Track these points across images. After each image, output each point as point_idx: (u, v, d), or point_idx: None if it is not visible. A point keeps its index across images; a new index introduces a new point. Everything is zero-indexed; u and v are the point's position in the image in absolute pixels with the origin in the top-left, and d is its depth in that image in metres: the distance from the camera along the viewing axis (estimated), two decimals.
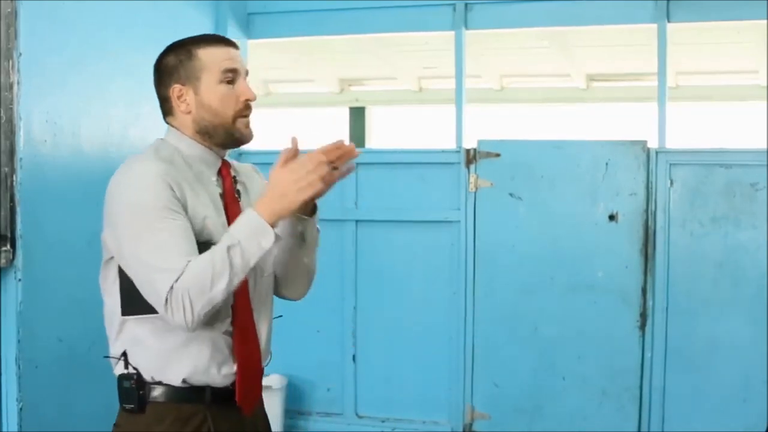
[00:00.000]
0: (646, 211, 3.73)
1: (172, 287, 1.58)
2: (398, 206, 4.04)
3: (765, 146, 3.68)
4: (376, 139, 7.58)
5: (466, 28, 4.04)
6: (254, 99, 1.78)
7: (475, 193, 3.90)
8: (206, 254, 1.61)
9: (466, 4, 4.02)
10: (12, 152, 2.67)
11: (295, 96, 6.82)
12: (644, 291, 3.75)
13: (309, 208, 1.78)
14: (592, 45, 5.03)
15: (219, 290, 1.60)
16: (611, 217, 3.76)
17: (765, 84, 5.41)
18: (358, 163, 4.42)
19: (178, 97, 1.76)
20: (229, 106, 1.75)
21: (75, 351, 3.02)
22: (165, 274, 1.59)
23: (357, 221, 4.05)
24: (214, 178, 1.79)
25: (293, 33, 4.35)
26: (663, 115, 3.78)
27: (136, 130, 3.41)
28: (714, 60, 5.39)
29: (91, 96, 3.12)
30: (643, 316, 3.75)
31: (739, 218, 3.64)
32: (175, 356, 1.70)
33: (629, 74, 5.90)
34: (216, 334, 1.72)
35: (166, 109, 1.81)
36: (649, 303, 3.74)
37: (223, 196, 1.79)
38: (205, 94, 1.74)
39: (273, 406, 4.06)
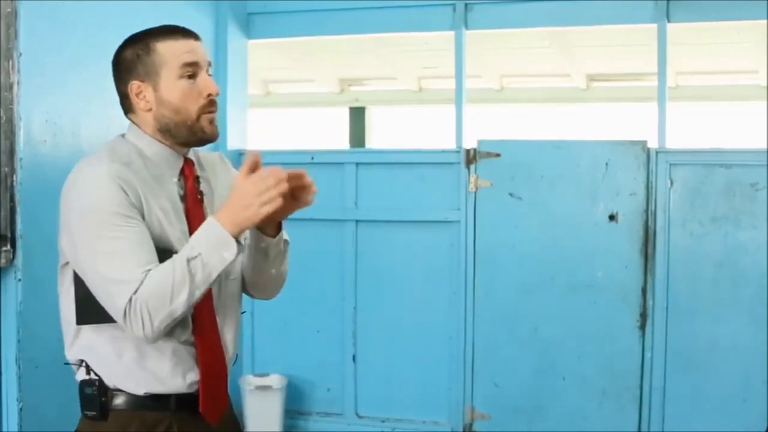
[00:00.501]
0: (646, 211, 3.73)
1: (130, 299, 1.51)
2: (398, 206, 4.04)
3: (765, 146, 3.67)
4: (376, 139, 7.58)
5: (466, 28, 4.04)
6: (217, 93, 1.68)
7: (475, 193, 3.90)
8: (166, 265, 1.53)
9: (466, 4, 4.02)
10: (12, 152, 2.67)
11: (295, 96, 6.82)
12: (644, 291, 3.74)
13: (274, 226, 1.69)
14: (592, 45, 5.03)
15: (179, 303, 1.52)
16: (611, 217, 3.76)
17: (765, 84, 5.41)
18: (357, 163, 4.42)
19: (137, 94, 1.66)
20: (191, 103, 1.65)
21: None
22: (122, 286, 1.51)
23: (357, 221, 4.05)
24: (175, 179, 1.69)
25: (293, 33, 4.35)
26: (663, 115, 3.78)
27: None
28: (714, 60, 5.40)
29: (91, 96, 3.12)
30: (643, 316, 3.75)
31: (739, 218, 3.64)
32: (135, 367, 1.63)
33: (629, 74, 5.91)
34: (177, 344, 1.64)
35: (126, 106, 1.70)
36: (649, 303, 3.74)
37: (184, 198, 1.69)
38: (165, 90, 1.64)
39: (273, 406, 4.06)
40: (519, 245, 3.87)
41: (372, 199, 4.07)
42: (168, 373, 1.64)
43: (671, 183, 3.71)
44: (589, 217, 3.78)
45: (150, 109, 1.66)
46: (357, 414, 4.13)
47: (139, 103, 1.67)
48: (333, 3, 4.16)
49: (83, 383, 1.67)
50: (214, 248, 1.53)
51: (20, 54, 2.68)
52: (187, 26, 1.75)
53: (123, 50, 1.69)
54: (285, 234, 1.74)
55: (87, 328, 1.65)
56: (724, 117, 6.83)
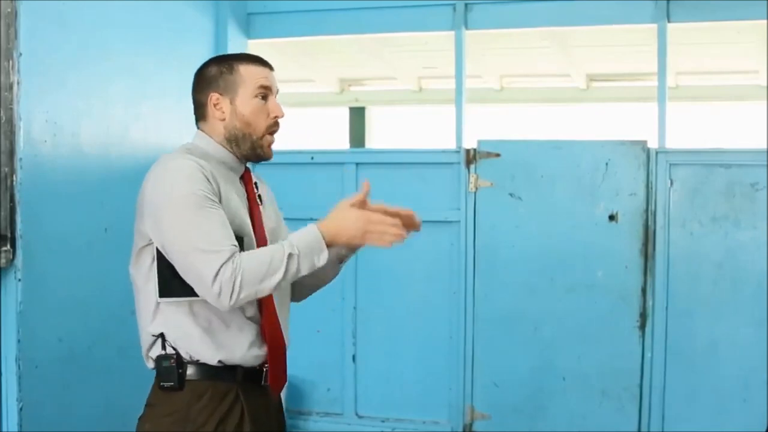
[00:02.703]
0: (646, 211, 3.73)
1: (221, 267, 1.69)
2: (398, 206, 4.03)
3: (765, 146, 3.68)
4: (376, 139, 7.58)
5: (466, 28, 4.04)
6: (283, 117, 1.95)
7: (475, 193, 3.90)
8: (266, 250, 1.77)
9: (466, 4, 4.02)
10: (12, 152, 2.67)
11: (295, 96, 6.82)
12: (644, 291, 3.75)
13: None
14: (592, 45, 5.03)
15: (267, 287, 1.74)
16: (611, 217, 3.76)
17: (765, 84, 5.41)
18: (357, 163, 4.43)
19: (215, 105, 1.92)
20: (260, 119, 1.92)
21: (75, 351, 3.02)
22: (213, 255, 1.70)
23: None
24: (237, 182, 1.94)
25: (293, 33, 4.35)
26: (663, 115, 3.78)
27: (136, 130, 3.41)
28: (714, 60, 5.39)
29: (91, 96, 3.12)
30: (643, 316, 3.75)
31: (739, 218, 3.64)
32: (209, 340, 1.83)
33: (629, 74, 5.90)
34: (244, 319, 1.86)
35: (200, 114, 1.96)
36: (649, 303, 3.74)
37: (246, 198, 1.94)
38: (240, 104, 1.91)
39: None
40: (519, 245, 3.87)
41: (372, 198, 4.06)
42: (237, 345, 1.85)
43: (671, 183, 3.71)
44: (589, 217, 3.78)
45: (223, 119, 1.92)
46: (357, 414, 4.14)
47: (215, 113, 1.93)
48: (333, 3, 4.16)
49: (160, 357, 1.85)
50: (310, 252, 1.77)
51: (20, 54, 2.68)
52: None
53: (208, 66, 1.96)
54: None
55: (167, 305, 1.84)
56: (724, 117, 6.83)
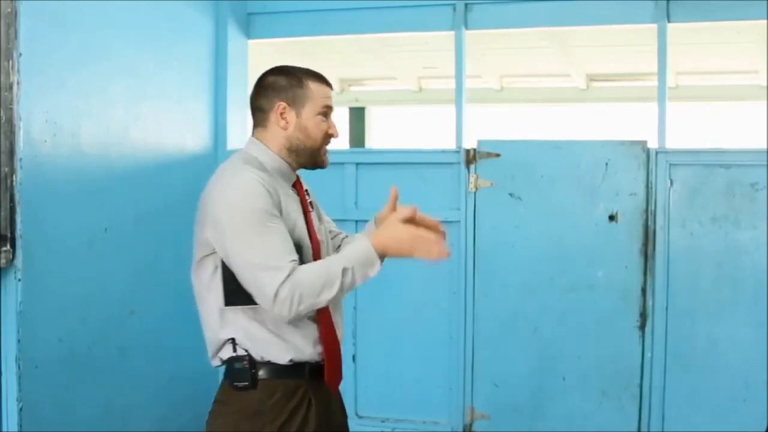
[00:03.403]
0: (646, 211, 3.73)
1: (282, 283, 1.82)
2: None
3: (765, 146, 3.67)
4: (376, 139, 7.59)
5: (466, 28, 4.04)
6: (338, 136, 2.10)
7: (475, 193, 3.90)
8: (322, 264, 1.90)
9: (466, 4, 4.02)
10: (12, 152, 2.67)
11: None
12: (644, 291, 3.75)
13: None
14: (592, 45, 5.03)
15: (324, 299, 1.88)
16: (611, 217, 3.76)
17: (765, 84, 5.42)
18: (357, 163, 4.42)
19: (281, 114, 2.04)
20: (319, 134, 2.05)
21: (75, 351, 3.02)
22: (274, 272, 1.83)
23: (357, 221, 4.04)
24: (290, 191, 2.06)
25: (293, 33, 4.35)
26: (663, 115, 3.78)
27: (136, 130, 3.41)
28: (714, 60, 5.40)
29: (91, 96, 3.12)
30: (643, 316, 3.75)
31: (739, 218, 3.64)
32: (276, 340, 1.95)
33: (629, 74, 5.91)
34: (305, 319, 1.99)
35: (260, 119, 2.08)
36: (649, 303, 3.74)
37: (299, 204, 2.07)
38: (305, 118, 2.04)
39: None
40: (519, 245, 3.87)
41: (372, 199, 4.06)
42: (302, 343, 1.98)
43: (671, 183, 3.71)
44: (589, 217, 3.78)
45: (286, 129, 2.04)
46: (357, 414, 4.13)
47: (279, 121, 2.05)
48: (333, 3, 4.15)
49: (232, 359, 1.97)
50: (363, 266, 1.90)
51: (20, 54, 2.68)
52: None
53: (275, 75, 2.08)
54: None
55: (233, 312, 1.95)
56: (724, 117, 6.84)
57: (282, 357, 1.96)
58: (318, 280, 1.86)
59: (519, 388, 3.88)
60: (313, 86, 2.05)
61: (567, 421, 3.83)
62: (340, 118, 7.33)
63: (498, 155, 3.87)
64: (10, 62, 2.65)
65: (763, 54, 4.39)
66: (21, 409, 2.72)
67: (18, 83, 2.67)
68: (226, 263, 1.91)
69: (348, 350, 4.14)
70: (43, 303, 2.83)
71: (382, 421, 4.11)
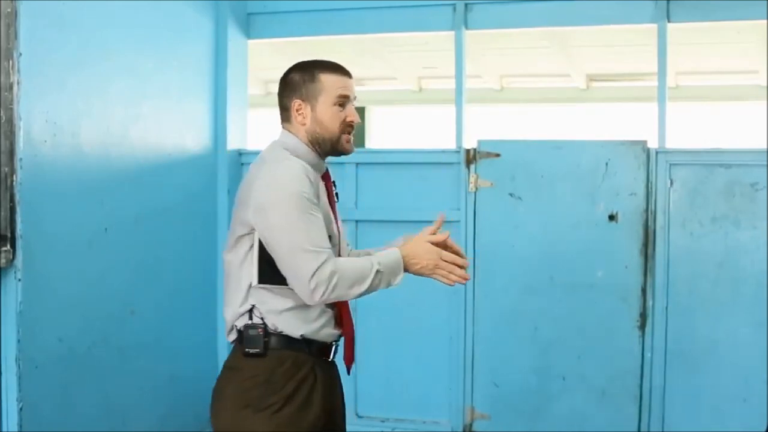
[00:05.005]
0: (646, 211, 3.73)
1: (320, 267, 1.91)
2: (398, 206, 4.03)
3: (765, 146, 3.67)
4: (376, 139, 7.59)
5: (466, 28, 4.04)
6: (359, 122, 2.15)
7: (475, 193, 3.90)
8: (363, 261, 1.99)
9: (466, 4, 4.02)
10: (12, 152, 2.67)
11: None
12: (644, 291, 3.75)
13: None
14: (592, 45, 5.04)
15: (353, 293, 1.98)
16: (611, 217, 3.76)
17: (765, 84, 5.42)
18: (358, 163, 4.41)
19: (297, 110, 2.10)
20: (336, 123, 2.09)
21: (75, 351, 3.02)
22: (314, 255, 1.92)
23: (357, 221, 4.05)
24: (320, 182, 2.11)
25: (293, 33, 4.34)
26: (663, 115, 3.78)
27: (136, 130, 3.41)
28: (714, 60, 5.40)
29: (91, 96, 3.12)
30: (643, 316, 3.75)
31: (739, 218, 3.64)
32: (295, 317, 2.04)
33: (629, 74, 5.91)
34: (324, 306, 2.08)
35: (285, 116, 2.14)
36: (649, 303, 3.74)
37: (327, 196, 2.13)
38: (320, 111, 2.09)
39: None
40: (519, 245, 3.87)
41: (372, 199, 4.07)
42: (318, 324, 2.07)
43: (671, 183, 3.71)
44: (589, 217, 3.78)
45: (304, 124, 2.10)
46: (357, 414, 4.13)
47: (297, 118, 2.10)
48: (333, 3, 4.15)
49: (247, 326, 2.04)
50: (391, 273, 2.02)
51: (20, 54, 2.68)
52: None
53: (292, 72, 2.14)
54: None
55: (260, 288, 2.03)
56: (724, 117, 6.84)
57: (295, 331, 2.04)
58: (354, 273, 1.95)
59: (519, 388, 3.88)
60: (325, 78, 2.10)
61: (567, 421, 3.82)
62: None
63: (498, 155, 3.87)
64: (10, 62, 2.65)
65: (763, 54, 4.39)
66: (21, 409, 2.73)
67: (18, 83, 2.67)
68: (265, 244, 1.98)
69: None
70: (43, 303, 2.83)
71: (382, 421, 4.11)
